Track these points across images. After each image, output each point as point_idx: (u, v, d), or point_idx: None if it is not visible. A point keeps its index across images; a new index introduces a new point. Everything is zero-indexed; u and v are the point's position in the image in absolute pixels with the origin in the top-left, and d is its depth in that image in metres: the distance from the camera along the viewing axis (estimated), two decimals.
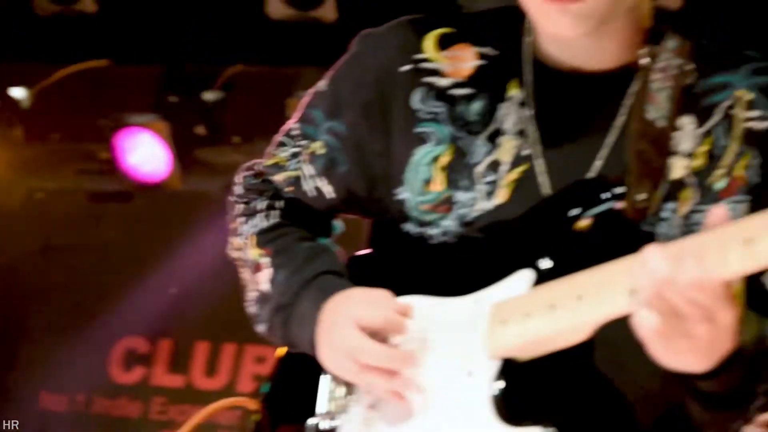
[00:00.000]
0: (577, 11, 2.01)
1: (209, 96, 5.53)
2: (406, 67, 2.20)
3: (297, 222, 2.32)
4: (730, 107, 2.11)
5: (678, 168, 2.10)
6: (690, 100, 2.12)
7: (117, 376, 5.76)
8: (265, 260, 2.27)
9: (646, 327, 1.83)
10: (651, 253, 1.82)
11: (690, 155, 2.10)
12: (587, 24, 2.04)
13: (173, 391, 5.68)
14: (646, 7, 2.15)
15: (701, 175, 2.10)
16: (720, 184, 2.10)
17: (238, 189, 2.38)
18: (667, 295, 1.80)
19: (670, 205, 2.09)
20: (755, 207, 2.07)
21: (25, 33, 5.44)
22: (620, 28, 2.11)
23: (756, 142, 2.10)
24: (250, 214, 2.33)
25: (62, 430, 5.74)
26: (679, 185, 2.10)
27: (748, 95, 2.11)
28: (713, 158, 2.10)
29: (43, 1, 5.21)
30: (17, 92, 5.65)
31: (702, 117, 2.12)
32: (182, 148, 5.48)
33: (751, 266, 1.76)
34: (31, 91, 5.65)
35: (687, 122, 2.12)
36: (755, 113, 2.10)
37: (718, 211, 1.83)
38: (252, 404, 2.37)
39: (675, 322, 1.82)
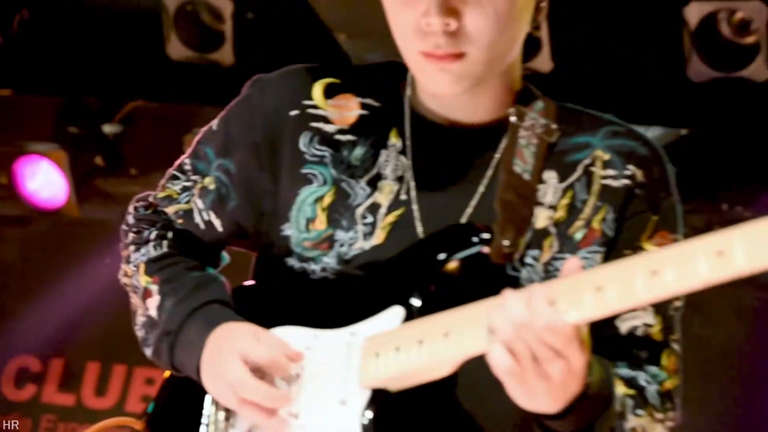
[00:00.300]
0: (456, 71, 2.04)
1: (109, 128, 5.52)
2: (295, 112, 2.20)
3: (186, 252, 2.31)
4: (590, 165, 2.15)
5: (542, 218, 2.13)
6: (554, 157, 2.16)
7: (8, 393, 5.67)
8: (154, 287, 2.25)
9: (501, 366, 1.85)
10: (510, 297, 1.85)
11: (553, 207, 2.14)
12: (464, 83, 2.07)
13: (63, 409, 5.61)
14: (518, 72, 2.19)
15: (562, 225, 2.13)
16: (579, 234, 2.13)
17: (130, 219, 2.36)
18: (524, 337, 1.82)
19: (533, 252, 2.12)
20: (608, 257, 2.13)
21: None
22: (493, 88, 2.14)
23: (611, 199, 2.14)
24: (141, 243, 2.31)
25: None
26: (542, 234, 2.13)
27: (605, 155, 2.15)
28: (573, 210, 2.14)
29: None
30: None
31: (564, 173, 2.15)
32: (81, 177, 5.45)
33: (601, 312, 1.80)
34: None
35: (551, 177, 2.15)
36: (611, 172, 2.14)
37: (572, 261, 1.86)
38: (137, 424, 2.34)
39: (531, 363, 1.84)
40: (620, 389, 2.05)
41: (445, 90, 2.09)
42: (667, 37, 4.36)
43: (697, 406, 4.48)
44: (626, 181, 2.14)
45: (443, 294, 2.04)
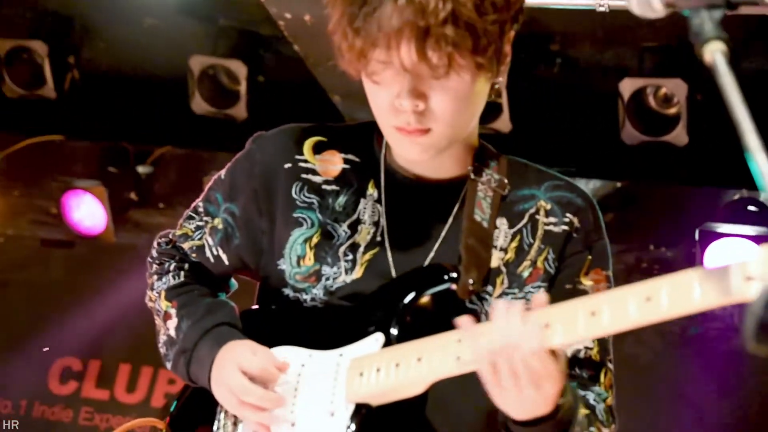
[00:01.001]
0: (423, 143, 2.03)
1: (142, 169, 5.46)
2: (288, 165, 2.20)
3: (200, 281, 2.30)
4: (535, 213, 2.15)
5: (495, 259, 2.12)
6: (505, 207, 2.16)
7: (54, 388, 5.58)
8: (173, 311, 2.25)
9: (484, 370, 1.84)
10: (512, 311, 1.82)
11: (504, 249, 2.13)
12: (430, 152, 2.06)
13: (99, 402, 5.51)
14: (475, 135, 2.18)
15: (511, 265, 2.12)
16: (526, 273, 2.12)
17: (153, 252, 2.37)
18: (511, 355, 1.81)
19: (488, 288, 2.11)
20: (549, 291, 2.11)
21: None
22: (455, 151, 2.13)
23: (552, 242, 2.14)
24: (162, 273, 2.32)
25: (6, 429, 5.55)
26: (495, 273, 2.12)
27: (548, 205, 2.16)
28: (521, 252, 2.13)
29: (12, 86, 5.12)
30: None
31: (513, 220, 2.15)
32: (117, 209, 5.34)
33: (591, 335, 1.84)
34: None
35: (502, 223, 2.15)
36: (552, 219, 2.15)
37: (539, 297, 1.85)
38: (161, 424, 2.33)
39: (510, 377, 1.82)
40: (582, 411, 2.03)
41: (415, 158, 2.07)
42: (605, 106, 4.34)
43: (627, 413, 4.49)
44: (565, 227, 2.14)
45: (417, 324, 2.04)
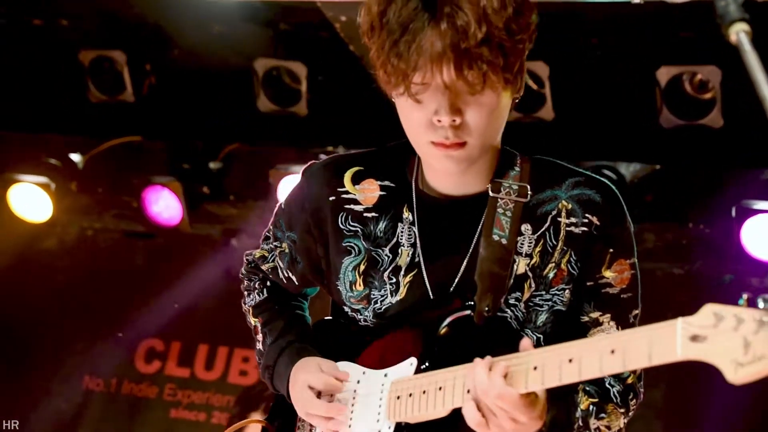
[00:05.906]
0: (458, 156, 2.05)
1: (213, 165, 5.47)
2: (333, 197, 2.25)
3: (281, 295, 2.43)
4: (557, 216, 2.14)
5: (521, 265, 2.13)
6: (528, 212, 2.15)
7: (140, 367, 5.65)
8: (259, 326, 2.40)
9: (472, 419, 1.95)
10: (479, 367, 1.92)
11: (529, 255, 2.13)
12: (464, 165, 2.08)
13: (181, 379, 5.57)
14: (498, 145, 2.18)
15: (537, 269, 2.13)
16: (551, 274, 2.13)
17: (243, 270, 2.48)
18: (485, 400, 1.92)
19: (516, 294, 2.13)
20: (574, 292, 2.14)
21: (82, 114, 5.41)
22: (478, 166, 2.14)
23: (573, 244, 2.13)
24: (250, 290, 2.46)
25: (98, 405, 5.64)
26: (522, 278, 2.13)
27: (568, 205, 2.14)
28: (546, 255, 2.13)
29: (95, 92, 5.19)
30: (74, 157, 5.58)
31: (536, 225, 2.14)
32: (192, 202, 5.41)
33: (540, 386, 1.87)
34: (84, 157, 5.58)
35: (527, 229, 2.14)
36: (573, 220, 2.13)
37: (525, 342, 1.92)
38: (262, 423, 2.43)
39: (491, 416, 1.93)
40: (584, 404, 2.09)
41: (450, 170, 2.10)
42: (644, 93, 4.28)
43: (666, 384, 4.43)
44: (584, 228, 2.12)
45: (443, 348, 2.10)
